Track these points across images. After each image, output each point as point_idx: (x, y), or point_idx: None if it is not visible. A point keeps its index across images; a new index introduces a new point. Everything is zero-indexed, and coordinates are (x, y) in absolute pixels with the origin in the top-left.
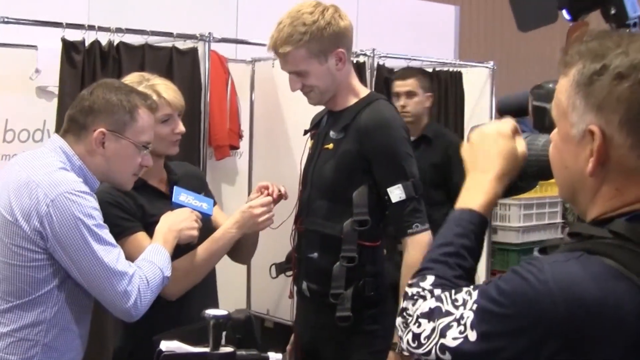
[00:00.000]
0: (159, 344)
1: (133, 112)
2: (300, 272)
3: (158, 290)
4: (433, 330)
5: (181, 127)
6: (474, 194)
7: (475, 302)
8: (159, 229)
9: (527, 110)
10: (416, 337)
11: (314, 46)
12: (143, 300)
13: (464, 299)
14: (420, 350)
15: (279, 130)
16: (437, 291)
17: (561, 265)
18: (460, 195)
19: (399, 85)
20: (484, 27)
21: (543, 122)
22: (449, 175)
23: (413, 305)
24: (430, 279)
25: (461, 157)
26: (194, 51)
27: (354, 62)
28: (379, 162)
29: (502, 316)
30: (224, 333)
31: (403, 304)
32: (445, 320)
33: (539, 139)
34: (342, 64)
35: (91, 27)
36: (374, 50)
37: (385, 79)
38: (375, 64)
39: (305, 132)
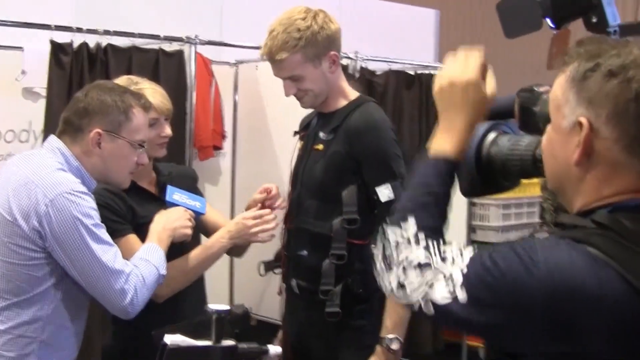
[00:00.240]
0: (159, 339)
1: (127, 112)
2: (289, 270)
3: (154, 288)
4: (421, 284)
5: (167, 131)
6: (447, 141)
7: (467, 265)
8: (154, 227)
9: (512, 113)
10: (402, 286)
11: (309, 51)
12: (140, 298)
13: (453, 258)
14: (404, 300)
15: (261, 131)
16: (422, 239)
17: (553, 249)
18: (433, 138)
19: None
20: (462, 31)
21: (529, 123)
22: None
23: (397, 248)
24: (412, 222)
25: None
26: (180, 53)
27: None
28: (369, 163)
29: (491, 286)
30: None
31: (381, 242)
32: (434, 277)
33: (522, 140)
34: (336, 66)
35: (79, 29)
36: (356, 53)
37: (368, 81)
38: (359, 67)
39: (295, 133)
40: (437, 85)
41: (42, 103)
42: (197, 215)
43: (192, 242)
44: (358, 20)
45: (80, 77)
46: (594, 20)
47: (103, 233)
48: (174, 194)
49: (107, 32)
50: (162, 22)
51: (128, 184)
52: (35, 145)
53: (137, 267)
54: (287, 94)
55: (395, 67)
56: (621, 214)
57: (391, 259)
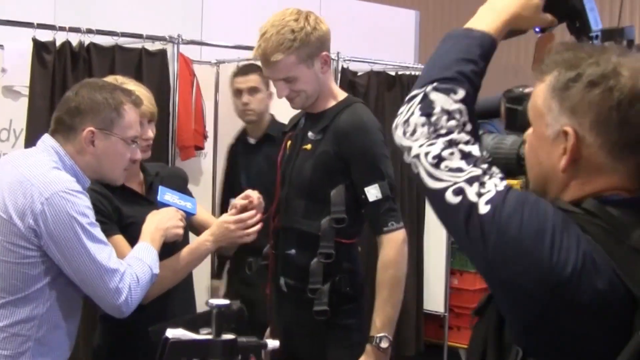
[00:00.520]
0: (156, 334)
1: (119, 109)
2: (277, 268)
3: (147, 288)
4: (460, 170)
5: (149, 133)
6: (488, 19)
7: (504, 190)
8: (147, 227)
9: (498, 113)
10: (439, 159)
11: (303, 52)
12: (133, 297)
13: (492, 174)
14: (432, 178)
15: None
16: (469, 125)
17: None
18: (473, 18)
19: (240, 82)
20: (442, 32)
21: (515, 123)
22: None
23: (448, 119)
24: (462, 94)
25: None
26: (162, 53)
27: None
28: (357, 163)
29: (509, 234)
30: None
31: (427, 97)
32: (475, 173)
33: (506, 139)
34: (327, 66)
35: (62, 28)
36: (338, 53)
37: (349, 81)
38: (340, 67)
39: (284, 134)
40: None
41: (22, 102)
42: (188, 216)
43: (183, 242)
44: (339, 21)
45: (63, 76)
46: (577, 25)
47: (98, 232)
48: (165, 194)
49: (89, 31)
50: (144, 21)
51: (122, 180)
52: (16, 144)
53: (131, 267)
54: (279, 96)
55: (376, 68)
56: (608, 205)
57: (437, 125)
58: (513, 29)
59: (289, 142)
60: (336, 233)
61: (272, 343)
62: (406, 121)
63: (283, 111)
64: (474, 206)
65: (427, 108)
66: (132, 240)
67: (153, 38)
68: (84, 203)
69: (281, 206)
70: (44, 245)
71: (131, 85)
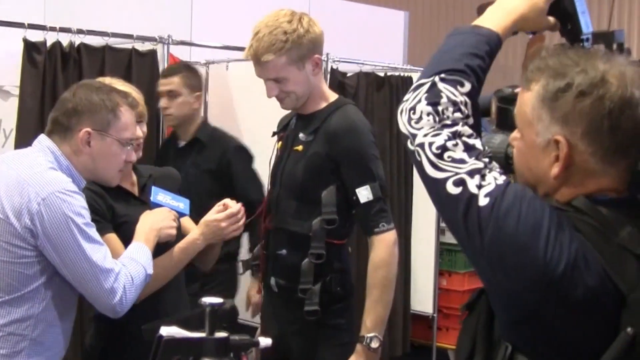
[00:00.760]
0: (148, 333)
1: (115, 110)
2: (268, 269)
3: (141, 288)
4: (463, 162)
5: (139, 133)
6: (496, 19)
7: (504, 184)
8: (140, 228)
9: (487, 112)
10: (443, 149)
11: (294, 53)
12: (128, 297)
13: (492, 167)
14: (434, 168)
15: (232, 131)
16: (471, 119)
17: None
18: (481, 17)
19: (161, 84)
20: (431, 33)
21: (506, 122)
22: (229, 182)
23: (454, 110)
24: (468, 87)
25: (244, 163)
26: (152, 53)
27: None
28: (348, 165)
29: (503, 230)
30: None
31: (435, 86)
32: (477, 166)
33: (495, 138)
34: (318, 69)
35: (52, 28)
36: (327, 54)
37: (338, 82)
38: (329, 68)
39: (274, 134)
40: None
41: (12, 102)
42: (181, 216)
43: (176, 242)
44: (328, 22)
45: (53, 76)
46: (569, 27)
47: (94, 232)
48: (158, 194)
49: (80, 31)
50: (134, 22)
51: (118, 181)
52: (6, 144)
53: (125, 267)
54: (269, 96)
55: (365, 68)
56: (598, 204)
57: (443, 116)
58: (517, 29)
59: (279, 143)
60: (327, 234)
61: (265, 341)
62: (412, 108)
63: (275, 111)
64: (473, 198)
65: (434, 97)
66: (125, 239)
67: (143, 38)
68: (80, 203)
69: (272, 207)
70: (40, 245)
71: (119, 85)
